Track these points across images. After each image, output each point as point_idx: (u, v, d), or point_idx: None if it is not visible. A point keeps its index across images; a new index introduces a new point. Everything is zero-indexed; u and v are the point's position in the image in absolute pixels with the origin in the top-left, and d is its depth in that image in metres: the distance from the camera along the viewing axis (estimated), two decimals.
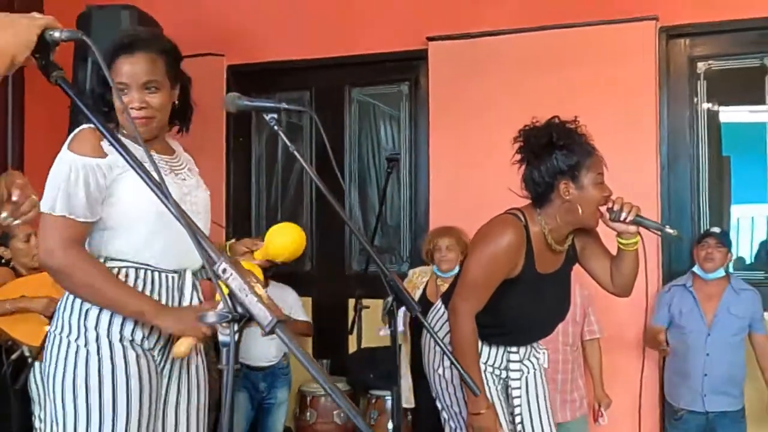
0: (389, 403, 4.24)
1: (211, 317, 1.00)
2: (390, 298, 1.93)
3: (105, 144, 1.96)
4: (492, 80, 4.40)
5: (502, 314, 2.58)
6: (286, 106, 2.05)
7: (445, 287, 3.93)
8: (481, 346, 2.63)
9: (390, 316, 1.94)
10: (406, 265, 4.73)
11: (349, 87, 4.90)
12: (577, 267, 3.93)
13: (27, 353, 3.22)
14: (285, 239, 2.17)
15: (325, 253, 4.88)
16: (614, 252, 2.71)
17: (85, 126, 1.98)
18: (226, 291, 1.00)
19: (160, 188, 1.07)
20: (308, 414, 4.40)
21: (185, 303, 2.07)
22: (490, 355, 2.69)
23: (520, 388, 2.69)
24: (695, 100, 4.25)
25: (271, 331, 0.98)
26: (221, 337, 1.01)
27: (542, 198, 2.60)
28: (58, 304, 2.06)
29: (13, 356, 3.14)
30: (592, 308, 3.87)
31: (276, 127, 2.04)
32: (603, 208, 2.58)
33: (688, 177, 4.23)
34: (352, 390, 4.52)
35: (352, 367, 4.54)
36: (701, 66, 4.24)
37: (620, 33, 4.13)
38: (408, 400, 4.13)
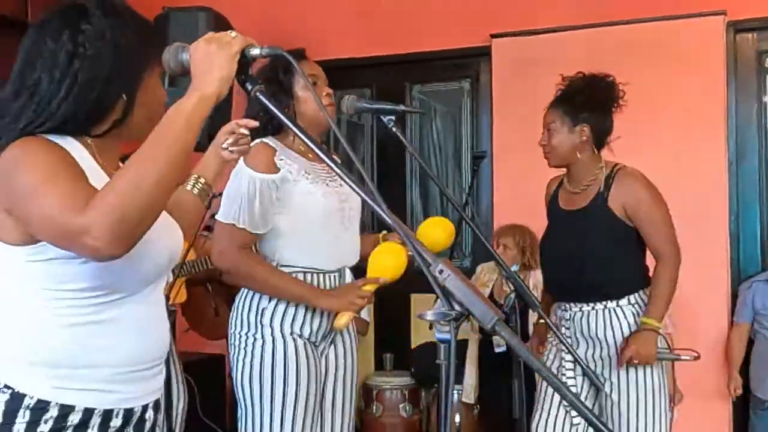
0: (455, 397, 4.29)
1: (429, 315, 1.05)
2: (512, 294, 1.98)
3: (277, 158, 2.18)
4: (556, 77, 4.39)
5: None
6: (405, 108, 2.13)
7: (507, 287, 3.98)
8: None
9: (512, 312, 1.98)
10: (468, 260, 4.77)
11: (410, 84, 4.94)
12: None
13: None
14: (383, 260, 2.25)
15: None
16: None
17: (258, 141, 2.17)
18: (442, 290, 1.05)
19: (369, 194, 1.12)
20: (374, 407, 4.46)
21: None
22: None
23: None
24: (763, 94, 4.25)
25: (492, 328, 1.03)
26: (439, 335, 1.06)
27: (602, 143, 2.95)
28: (237, 303, 2.30)
29: None
30: None
31: (394, 129, 2.11)
32: None
33: (756, 172, 4.24)
34: (417, 384, 4.57)
35: (416, 361, 4.59)
36: None
37: (688, 28, 4.14)
38: (468, 396, 4.18)
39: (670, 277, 2.71)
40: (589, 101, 2.84)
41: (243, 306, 2.28)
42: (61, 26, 1.36)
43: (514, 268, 3.96)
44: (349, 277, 2.33)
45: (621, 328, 2.63)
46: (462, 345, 4.11)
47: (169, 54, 1.33)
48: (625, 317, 2.65)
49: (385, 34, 4.77)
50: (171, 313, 3.54)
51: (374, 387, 4.48)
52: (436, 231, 2.32)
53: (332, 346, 2.36)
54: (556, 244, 2.49)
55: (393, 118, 2.12)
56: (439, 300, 1.07)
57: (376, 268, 2.22)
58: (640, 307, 2.69)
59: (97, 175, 1.34)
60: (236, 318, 2.29)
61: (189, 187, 1.68)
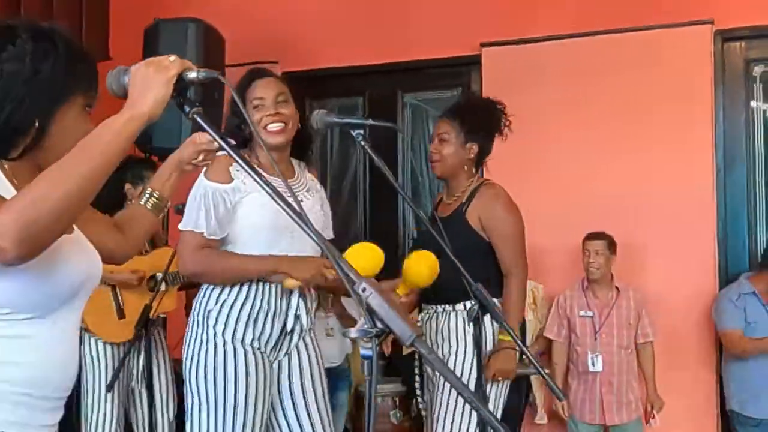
0: (388, 402, 4.35)
1: (353, 333, 1.09)
2: (475, 305, 2.01)
3: (233, 169, 2.31)
4: (546, 86, 4.45)
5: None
6: (372, 122, 2.15)
7: None
8: None
9: (476, 323, 2.01)
10: None
11: (402, 93, 4.98)
12: (628, 272, 4.01)
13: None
14: (421, 267, 2.42)
15: None
16: None
17: (219, 153, 2.15)
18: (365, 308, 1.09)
19: (295, 211, 1.15)
20: (364, 414, 4.50)
21: (291, 309, 2.38)
22: None
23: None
24: (751, 103, 4.27)
25: (411, 345, 1.06)
26: (362, 351, 1.10)
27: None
28: (195, 301, 2.41)
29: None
30: (645, 311, 3.92)
31: (363, 143, 2.13)
32: None
33: (744, 180, 4.26)
34: (406, 390, 4.60)
35: (407, 369, 4.62)
36: (757, 69, 4.26)
37: (676, 37, 4.16)
38: None
39: (518, 292, 2.87)
40: (484, 123, 2.98)
41: (196, 306, 2.40)
42: None
43: None
44: (296, 289, 2.38)
45: (450, 331, 2.80)
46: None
47: (112, 77, 1.36)
48: (456, 322, 2.79)
49: (377, 42, 4.81)
50: (160, 322, 3.58)
51: (365, 394, 4.50)
52: (416, 267, 2.41)
53: (287, 357, 2.42)
54: (422, 247, 2.53)
55: (362, 132, 2.15)
56: (362, 318, 1.10)
57: (415, 278, 2.41)
58: (472, 312, 2.77)
59: (6, 191, 1.34)
60: (192, 318, 2.41)
61: (143, 202, 1.71)
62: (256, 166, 2.24)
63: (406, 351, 4.68)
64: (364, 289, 1.09)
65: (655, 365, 3.92)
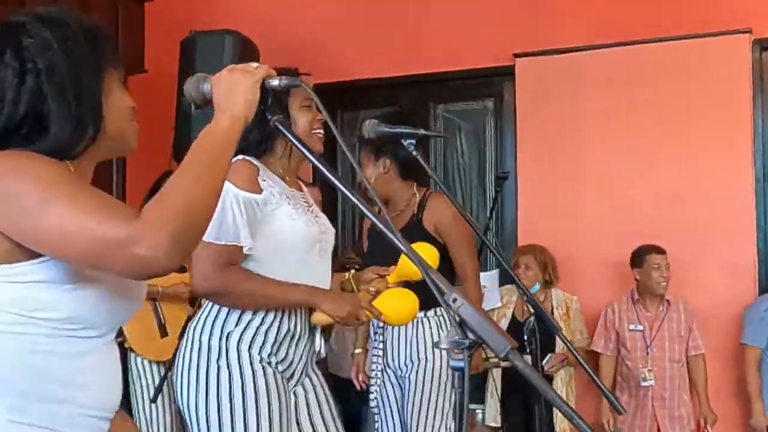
0: (480, 416, 4.28)
1: (444, 344, 1.07)
2: (531, 317, 1.98)
3: (260, 179, 2.07)
4: (580, 96, 4.43)
5: None
6: (424, 132, 2.14)
7: (529, 305, 4.00)
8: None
9: (532, 335, 1.98)
10: None
11: (434, 104, 4.97)
12: (684, 284, 3.96)
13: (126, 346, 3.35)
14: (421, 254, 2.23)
15: None
16: None
17: (239, 158, 2.06)
18: (458, 319, 1.07)
19: (386, 223, 1.13)
20: None
21: (316, 338, 2.19)
22: None
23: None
24: None
25: (506, 357, 1.04)
26: (453, 363, 1.07)
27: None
28: (192, 327, 2.13)
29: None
30: (695, 323, 3.87)
31: (414, 152, 2.12)
32: None
33: None
34: None
35: None
36: None
37: (713, 46, 4.13)
38: (495, 419, 4.16)
39: (475, 291, 3.01)
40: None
41: (202, 330, 2.10)
42: (1, 48, 1.25)
43: (536, 287, 4.00)
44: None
45: (425, 336, 2.93)
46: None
47: (191, 84, 1.34)
48: (430, 327, 2.94)
49: (409, 54, 4.80)
50: None
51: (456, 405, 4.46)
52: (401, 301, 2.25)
53: (301, 384, 2.21)
54: (379, 263, 2.50)
55: (413, 141, 2.14)
56: (452, 328, 1.08)
57: (409, 268, 2.17)
58: (444, 318, 2.97)
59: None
60: (193, 343, 2.10)
61: None
62: (274, 174, 2.12)
63: None
64: (455, 300, 1.07)
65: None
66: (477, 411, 4.29)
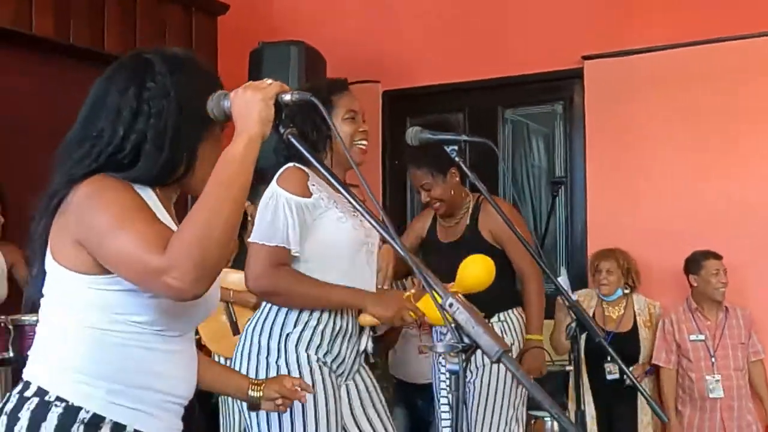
0: (548, 425, 4.22)
1: (440, 347, 1.09)
2: (573, 324, 1.97)
3: (310, 184, 2.16)
4: (649, 98, 4.34)
5: None
6: (467, 138, 2.16)
7: (611, 311, 3.92)
8: None
9: (573, 341, 1.97)
10: None
11: (502, 108, 4.95)
12: (737, 291, 3.83)
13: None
14: (477, 270, 2.29)
15: None
16: None
17: (290, 165, 2.18)
18: (452, 323, 1.09)
19: (386, 228, 1.17)
20: None
21: (364, 335, 2.27)
22: None
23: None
24: None
25: (498, 360, 1.06)
26: (449, 366, 1.10)
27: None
28: (250, 328, 2.24)
29: None
30: (754, 328, 3.75)
31: (457, 158, 2.14)
32: None
33: None
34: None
35: None
36: None
37: None
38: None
39: (538, 291, 3.02)
40: (437, 151, 2.87)
41: (261, 332, 2.20)
42: (128, 81, 1.40)
43: (618, 293, 3.92)
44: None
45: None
46: (563, 375, 4.04)
47: (213, 102, 1.40)
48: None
49: (476, 58, 4.80)
50: None
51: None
52: (473, 269, 2.30)
53: (352, 380, 2.30)
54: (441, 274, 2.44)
55: (456, 148, 2.15)
56: (448, 333, 1.10)
57: (468, 281, 2.28)
58: (507, 323, 3.00)
59: (164, 217, 1.40)
60: (252, 344, 2.21)
61: (250, 391, 1.77)
62: (322, 180, 2.20)
63: None
64: (450, 305, 1.10)
65: None
66: (545, 419, 4.24)
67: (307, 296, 2.16)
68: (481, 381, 2.95)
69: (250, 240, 2.16)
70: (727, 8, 4.13)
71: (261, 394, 1.76)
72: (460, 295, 1.29)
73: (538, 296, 3.00)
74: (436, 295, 1.12)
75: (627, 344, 3.73)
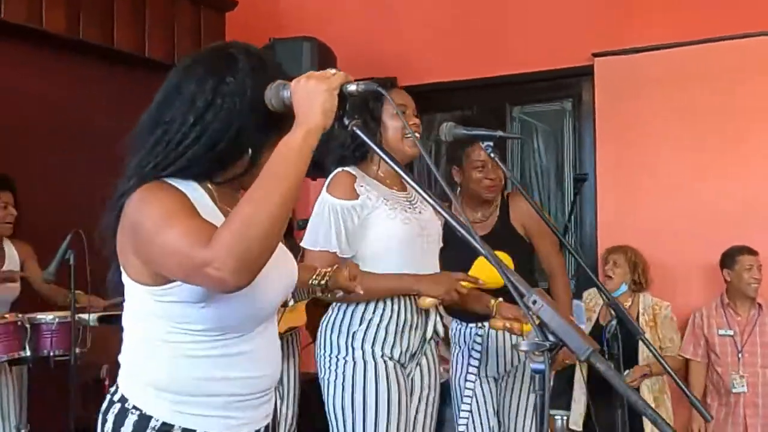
0: (559, 423, 4.22)
1: (524, 346, 1.07)
2: (614, 321, 1.95)
3: (357, 185, 2.26)
4: (659, 95, 4.33)
5: None
6: (502, 134, 2.14)
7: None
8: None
9: (614, 339, 1.95)
10: (571, 283, 4.69)
11: (511, 106, 4.94)
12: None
13: None
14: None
15: None
16: None
17: (338, 170, 2.28)
18: (537, 321, 1.07)
19: (461, 224, 1.14)
20: None
21: (430, 322, 2.38)
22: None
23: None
24: None
25: (587, 360, 1.03)
26: (533, 365, 1.07)
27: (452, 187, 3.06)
28: (323, 326, 2.36)
29: None
30: None
31: (492, 155, 2.12)
32: None
33: None
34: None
35: None
36: None
37: None
38: (576, 423, 4.09)
39: (565, 287, 3.05)
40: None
41: (331, 329, 2.33)
42: (207, 72, 1.39)
43: (623, 288, 3.91)
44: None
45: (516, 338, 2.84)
46: (569, 369, 4.04)
47: (271, 92, 1.37)
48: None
49: (485, 55, 4.79)
50: (291, 337, 3.65)
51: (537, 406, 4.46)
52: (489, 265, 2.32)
53: (417, 367, 2.40)
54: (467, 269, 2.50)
55: (491, 144, 2.14)
56: (533, 330, 1.08)
57: (485, 277, 2.31)
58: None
59: (214, 216, 1.38)
60: (325, 342, 2.34)
61: (313, 280, 1.89)
62: (373, 179, 2.31)
63: None
64: (534, 302, 1.07)
65: None
66: (556, 417, 4.24)
67: (367, 287, 2.17)
68: (514, 378, 2.94)
69: (303, 244, 2.29)
70: (738, 5, 4.13)
71: (323, 282, 1.88)
72: (541, 290, 1.28)
73: (566, 292, 3.01)
74: (517, 295, 1.10)
75: (625, 344, 3.71)
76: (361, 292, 1.93)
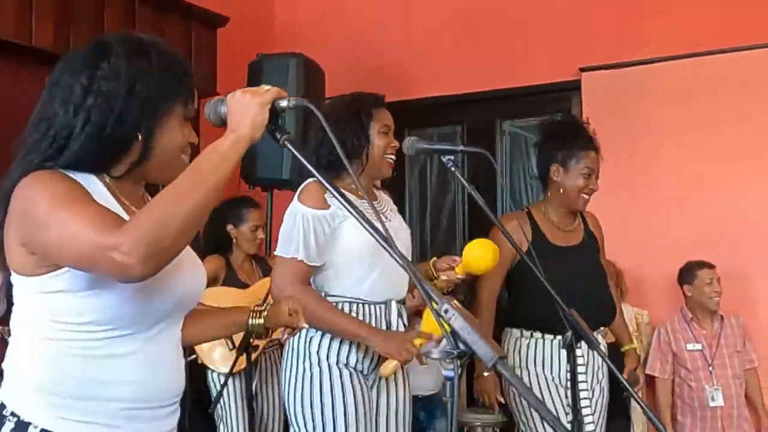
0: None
1: (435, 354, 1.09)
2: (569, 333, 1.97)
3: (328, 196, 2.28)
4: (647, 109, 4.35)
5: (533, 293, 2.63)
6: (463, 148, 2.17)
7: None
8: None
9: (569, 350, 1.97)
10: None
11: (501, 120, 4.97)
12: (735, 299, 3.83)
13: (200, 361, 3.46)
14: (481, 251, 2.39)
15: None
16: None
17: (310, 180, 2.32)
18: (448, 329, 1.09)
19: (382, 236, 1.17)
20: None
21: (393, 329, 2.38)
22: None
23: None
24: None
25: (494, 367, 1.06)
26: (445, 372, 1.10)
27: (544, 183, 2.97)
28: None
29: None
30: (748, 336, 3.77)
31: (453, 169, 2.15)
32: None
33: None
34: (509, 421, 4.52)
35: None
36: None
37: None
38: None
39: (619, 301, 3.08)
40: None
41: (296, 336, 2.32)
42: (82, 63, 1.39)
43: None
44: (395, 309, 2.40)
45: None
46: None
47: (210, 107, 1.42)
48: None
49: (475, 71, 4.83)
50: (271, 352, 3.66)
51: (465, 423, 4.46)
52: (477, 251, 2.40)
53: (385, 382, 2.40)
54: (556, 281, 2.44)
55: (452, 158, 2.17)
56: (444, 339, 1.10)
57: (473, 263, 2.38)
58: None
59: (115, 209, 1.35)
60: (289, 346, 2.38)
61: (251, 320, 1.76)
62: (343, 190, 2.34)
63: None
64: (446, 311, 1.10)
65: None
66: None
67: (322, 318, 2.26)
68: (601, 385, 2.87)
69: (274, 252, 2.34)
70: (726, 21, 4.15)
71: (262, 321, 1.74)
72: (455, 302, 1.30)
73: (620, 306, 3.07)
74: (432, 303, 1.12)
75: (613, 355, 3.72)
76: (305, 326, 1.85)
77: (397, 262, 1.16)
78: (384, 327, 2.37)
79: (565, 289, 2.46)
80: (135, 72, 1.38)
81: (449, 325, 1.09)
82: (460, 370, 1.08)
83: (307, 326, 1.86)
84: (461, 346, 1.08)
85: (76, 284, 1.32)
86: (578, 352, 2.50)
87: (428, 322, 2.26)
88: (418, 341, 2.23)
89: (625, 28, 4.42)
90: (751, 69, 4.07)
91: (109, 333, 1.35)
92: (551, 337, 2.75)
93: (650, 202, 4.28)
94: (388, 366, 2.23)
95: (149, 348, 1.40)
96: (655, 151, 4.29)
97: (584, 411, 2.67)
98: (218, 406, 3.48)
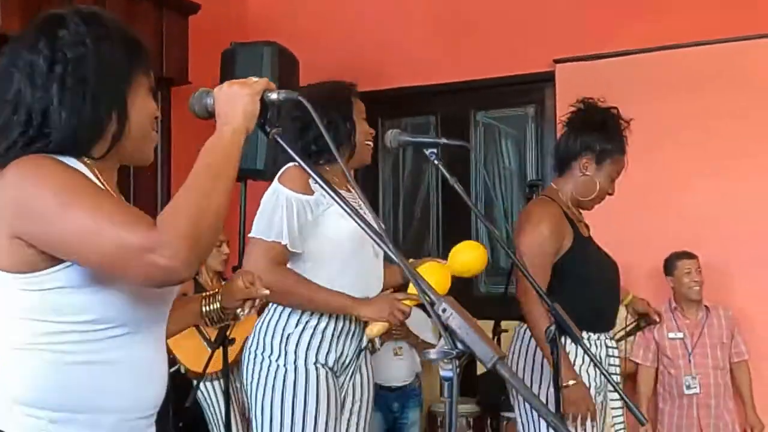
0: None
1: (433, 354, 1.08)
2: (552, 326, 1.97)
3: (311, 181, 2.19)
4: (620, 101, 4.32)
5: (588, 285, 2.60)
6: (446, 141, 2.16)
7: None
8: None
9: (553, 343, 1.97)
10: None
11: (474, 111, 4.97)
12: (723, 292, 3.88)
13: (183, 371, 3.43)
14: (470, 255, 2.39)
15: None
16: None
17: (290, 165, 2.23)
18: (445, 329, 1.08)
19: (374, 230, 1.15)
20: None
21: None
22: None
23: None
24: None
25: (493, 367, 1.05)
26: (443, 372, 1.09)
27: (563, 164, 2.76)
28: (258, 326, 2.30)
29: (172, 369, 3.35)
30: (738, 329, 3.81)
31: (436, 162, 2.14)
32: None
33: None
34: (482, 411, 4.55)
35: (482, 389, 4.56)
36: None
37: (760, 49, 4.03)
38: None
39: None
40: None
41: (266, 331, 2.28)
42: (37, 36, 1.29)
43: None
44: None
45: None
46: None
47: (194, 99, 1.38)
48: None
49: (449, 61, 4.81)
50: None
51: (439, 414, 4.49)
52: (465, 254, 2.39)
53: (351, 379, 2.36)
54: (603, 273, 2.46)
55: (435, 150, 2.15)
56: (442, 338, 1.09)
57: (459, 266, 2.36)
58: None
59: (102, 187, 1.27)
60: (258, 342, 2.28)
61: (204, 306, 1.63)
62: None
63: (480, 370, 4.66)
64: (444, 310, 1.09)
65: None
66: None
67: (302, 297, 2.19)
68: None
69: (249, 235, 2.21)
70: (701, 13, 4.18)
71: (217, 305, 1.61)
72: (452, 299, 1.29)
73: None
74: (427, 303, 1.11)
75: None
76: (267, 292, 1.66)
77: (392, 256, 1.15)
78: (353, 328, 2.31)
79: (611, 282, 2.45)
80: (97, 37, 1.29)
81: (447, 324, 1.08)
82: (458, 370, 1.07)
83: (267, 292, 1.65)
84: (459, 346, 1.07)
85: (78, 280, 1.22)
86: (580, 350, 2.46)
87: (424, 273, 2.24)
88: (407, 302, 2.21)
89: (600, 20, 4.43)
90: (726, 62, 4.10)
91: (107, 332, 1.26)
92: (595, 337, 2.58)
93: (626, 195, 4.29)
94: (376, 326, 2.21)
95: (146, 351, 1.33)
96: (629, 142, 4.31)
97: (615, 412, 2.71)
98: (210, 411, 3.46)
